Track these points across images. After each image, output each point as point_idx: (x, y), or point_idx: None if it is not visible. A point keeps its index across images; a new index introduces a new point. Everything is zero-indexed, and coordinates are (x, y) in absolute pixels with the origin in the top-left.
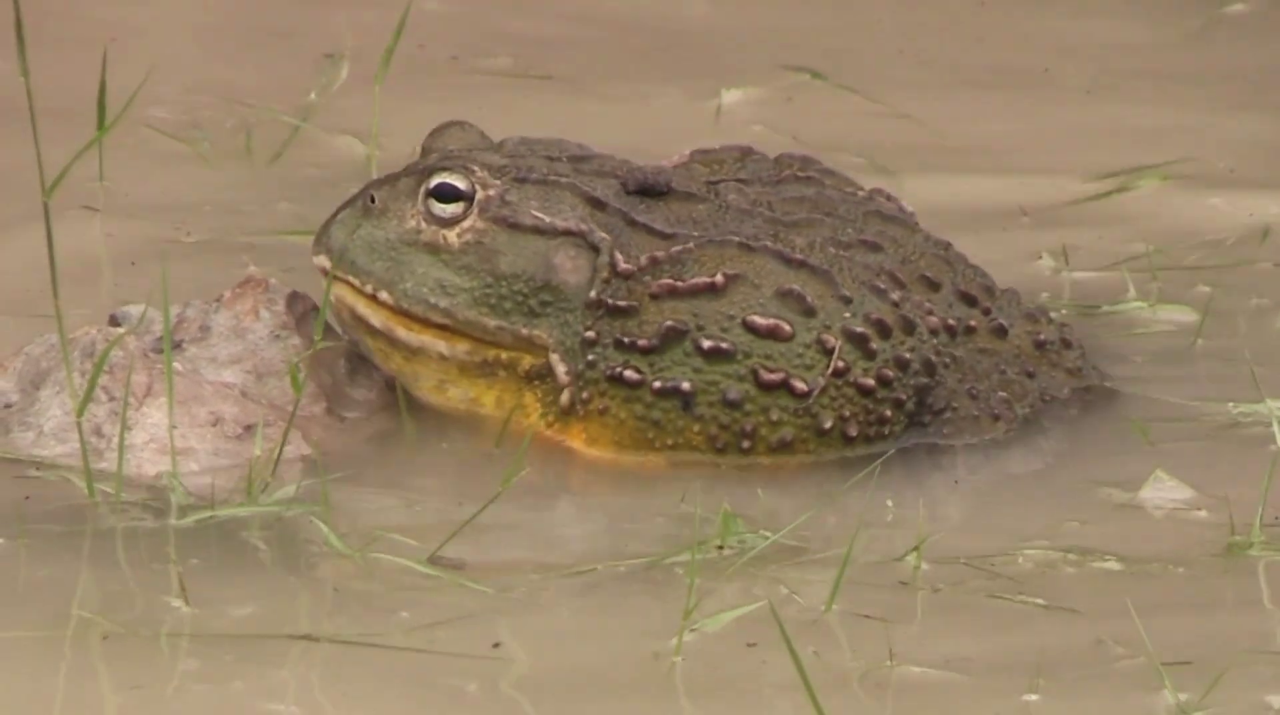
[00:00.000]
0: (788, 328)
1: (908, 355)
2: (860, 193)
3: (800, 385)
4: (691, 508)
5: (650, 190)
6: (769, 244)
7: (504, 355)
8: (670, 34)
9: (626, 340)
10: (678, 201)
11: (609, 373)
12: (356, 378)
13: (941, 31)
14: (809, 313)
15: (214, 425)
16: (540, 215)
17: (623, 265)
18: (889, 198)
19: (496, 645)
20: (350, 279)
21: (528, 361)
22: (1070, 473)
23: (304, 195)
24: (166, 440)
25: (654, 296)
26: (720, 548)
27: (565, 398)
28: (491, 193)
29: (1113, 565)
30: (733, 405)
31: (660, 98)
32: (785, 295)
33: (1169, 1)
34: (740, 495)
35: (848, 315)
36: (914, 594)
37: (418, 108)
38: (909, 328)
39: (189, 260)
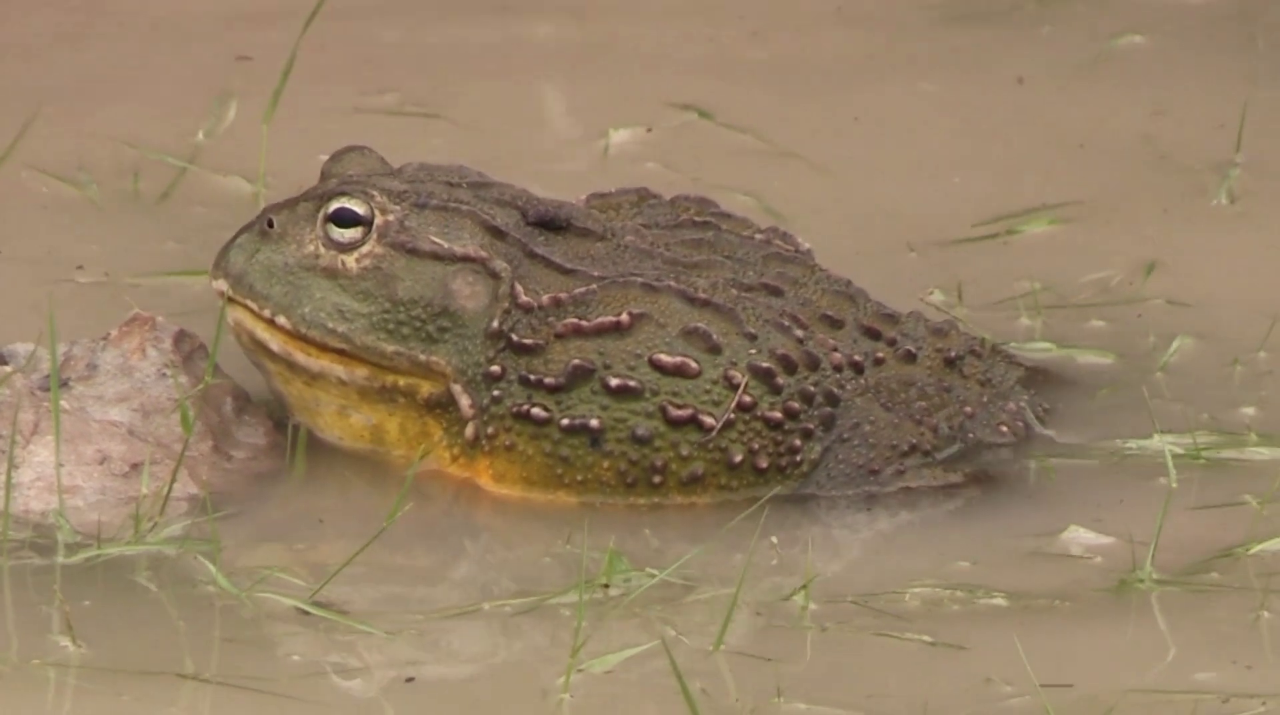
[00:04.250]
0: (694, 365)
1: (812, 388)
2: (757, 234)
3: (708, 420)
4: (578, 548)
5: (550, 223)
6: (672, 284)
7: (402, 381)
8: (555, 73)
9: (533, 378)
10: (576, 237)
11: (515, 410)
12: (244, 417)
13: (826, 71)
14: (714, 350)
15: (101, 463)
16: (439, 241)
17: (523, 298)
18: (785, 237)
19: (410, 680)
20: (249, 303)
21: (426, 388)
22: (961, 510)
23: (192, 235)
24: (53, 478)
25: (559, 336)
26: (606, 587)
27: (470, 431)
28: (390, 218)
29: (1000, 602)
30: (641, 441)
31: (548, 136)
32: (691, 333)
33: (1058, 36)
34: (627, 535)
35: (753, 351)
36: (802, 633)
37: (305, 147)
38: (813, 363)
39: (77, 300)
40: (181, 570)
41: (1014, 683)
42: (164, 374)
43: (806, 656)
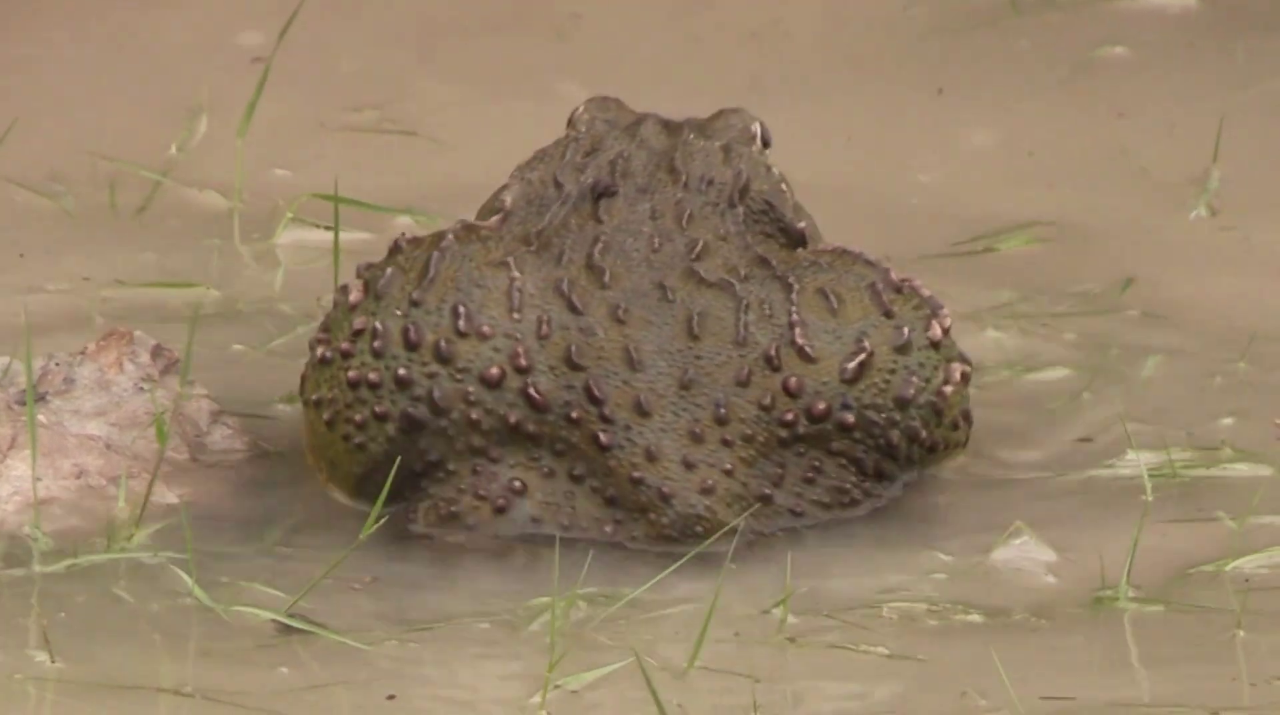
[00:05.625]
0: (357, 297)
1: (390, 373)
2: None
3: (320, 351)
4: (553, 563)
5: (602, 194)
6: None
7: None
8: (535, 90)
9: None
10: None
11: None
12: (219, 429)
13: (810, 86)
14: (377, 296)
15: (78, 477)
16: (503, 187)
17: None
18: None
19: (391, 697)
20: None
21: None
22: (935, 527)
23: (169, 248)
24: (30, 492)
25: None
26: (581, 602)
27: None
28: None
29: (976, 619)
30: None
31: (531, 153)
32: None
33: (1037, 49)
34: (604, 549)
35: (398, 312)
36: (778, 648)
37: (280, 161)
38: (412, 345)
39: (53, 314)
40: (158, 584)
41: (990, 696)
42: (141, 388)
43: (782, 672)
